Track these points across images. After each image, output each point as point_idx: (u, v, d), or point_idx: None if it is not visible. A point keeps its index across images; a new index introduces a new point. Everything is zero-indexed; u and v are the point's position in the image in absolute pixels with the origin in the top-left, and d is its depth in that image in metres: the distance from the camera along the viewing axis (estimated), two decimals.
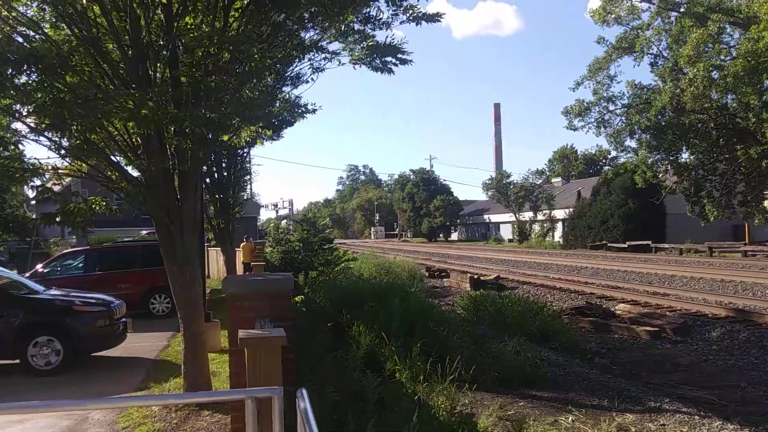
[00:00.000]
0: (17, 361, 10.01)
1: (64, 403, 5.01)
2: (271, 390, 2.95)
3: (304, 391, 2.62)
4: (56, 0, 6.51)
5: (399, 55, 8.52)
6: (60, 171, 7.71)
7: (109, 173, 7.67)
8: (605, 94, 33.41)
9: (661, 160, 34.49)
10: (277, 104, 9.55)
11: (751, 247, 35.36)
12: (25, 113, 7.10)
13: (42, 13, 7.16)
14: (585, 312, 16.23)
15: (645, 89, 32.86)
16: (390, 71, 8.72)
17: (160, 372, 9.95)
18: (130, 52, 6.94)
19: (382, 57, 8.52)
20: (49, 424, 7.17)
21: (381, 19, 8.60)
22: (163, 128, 6.89)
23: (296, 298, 11.06)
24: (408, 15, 8.68)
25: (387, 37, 8.90)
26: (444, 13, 8.84)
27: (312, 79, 9.58)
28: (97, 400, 7.12)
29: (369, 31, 8.56)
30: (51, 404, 3.36)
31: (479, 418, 6.64)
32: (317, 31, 8.44)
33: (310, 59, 9.04)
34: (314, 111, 10.23)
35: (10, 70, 6.37)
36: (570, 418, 7.02)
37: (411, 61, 8.60)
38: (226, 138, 8.00)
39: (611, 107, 33.60)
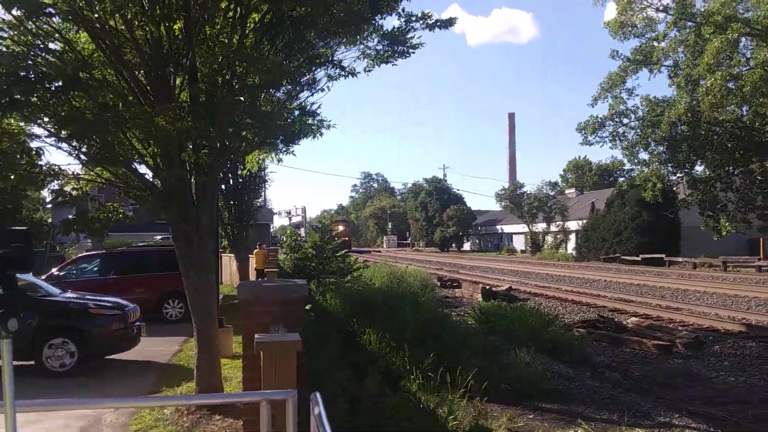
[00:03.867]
0: (32, 362, 10.16)
1: (80, 401, 5.11)
2: (286, 393, 3.03)
3: (318, 396, 2.69)
4: (76, 11, 6.63)
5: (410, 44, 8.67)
6: (80, 177, 7.84)
7: (129, 180, 7.81)
8: (620, 108, 33.34)
9: (674, 173, 34.33)
10: (296, 113, 9.68)
11: (765, 263, 35.07)
12: (45, 120, 7.24)
13: (65, 24, 7.30)
14: (597, 325, 16.17)
15: (659, 103, 32.77)
16: (404, 56, 8.83)
17: (173, 376, 10.05)
18: (150, 63, 7.08)
19: (396, 57, 8.65)
20: (62, 425, 7.28)
21: (396, 34, 8.72)
22: (182, 141, 7.00)
23: (306, 306, 11.14)
24: (422, 23, 8.82)
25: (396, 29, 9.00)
26: (457, 18, 9.05)
27: (327, 87, 9.72)
28: (112, 400, 7.22)
29: (385, 47, 8.68)
30: (68, 402, 3.45)
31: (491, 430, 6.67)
32: (335, 42, 8.57)
33: (325, 69, 9.17)
34: (329, 127, 10.34)
35: (26, 88, 6.45)
36: None
37: (422, 44, 8.72)
38: (248, 163, 8.11)
39: (625, 121, 33.51)
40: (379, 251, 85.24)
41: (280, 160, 11.05)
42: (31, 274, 12.26)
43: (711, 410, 8.90)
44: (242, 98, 6.94)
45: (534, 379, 8.84)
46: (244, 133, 7.29)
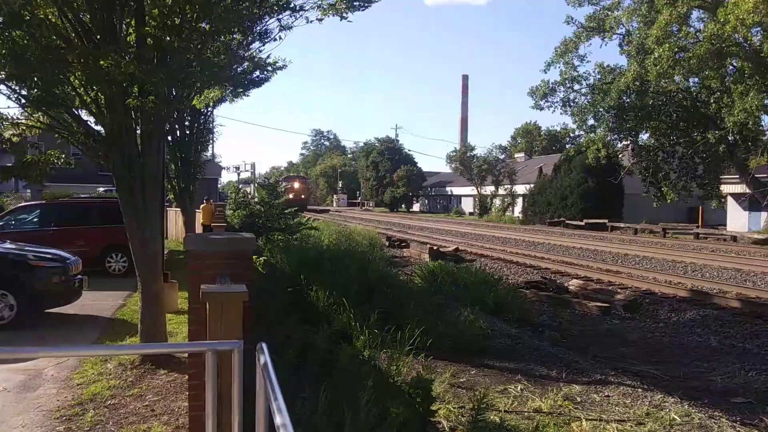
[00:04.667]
0: None
1: (19, 349, 4.99)
2: (231, 343, 3.01)
3: (264, 346, 2.68)
4: None
5: None
6: (20, 122, 7.52)
7: (70, 126, 7.52)
8: (572, 74, 33.75)
9: (619, 140, 35.13)
10: (245, 64, 9.43)
11: (703, 230, 36.39)
12: None
13: None
14: (540, 286, 16.61)
15: (612, 71, 33.28)
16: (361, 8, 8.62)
17: (116, 330, 9.89)
18: (96, 4, 6.77)
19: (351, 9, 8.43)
20: (2, 379, 7.10)
21: None
22: (126, 85, 6.77)
23: (257, 259, 11.06)
24: None
25: None
26: None
27: (280, 37, 9.47)
28: (54, 348, 7.06)
29: None
30: (7, 350, 3.36)
31: (433, 385, 6.80)
32: None
33: (278, 17, 8.91)
34: (283, 67, 10.11)
35: None
36: (519, 387, 7.24)
37: None
38: (195, 102, 7.88)
39: (576, 87, 33.98)
40: (328, 210, 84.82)
41: (233, 100, 10.73)
42: None
43: (645, 368, 9.30)
44: (191, 45, 6.72)
45: (477, 337, 9.03)
46: (191, 80, 7.07)
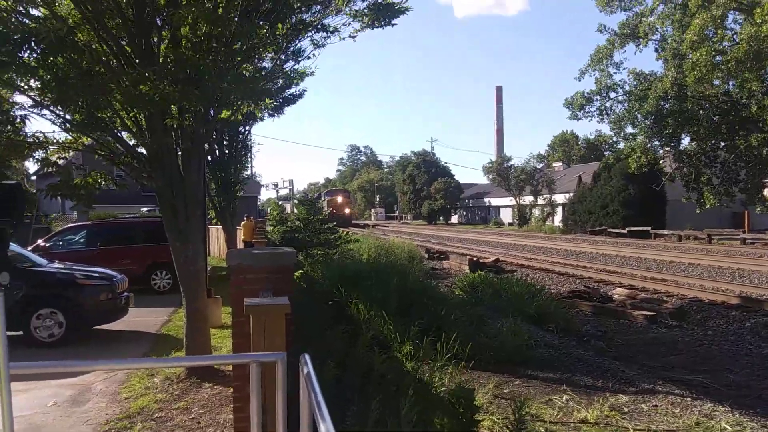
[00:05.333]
0: (20, 332, 10.15)
1: (72, 363, 5.13)
2: (275, 355, 3.05)
3: (307, 357, 2.71)
4: None
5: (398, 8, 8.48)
6: (65, 145, 7.77)
7: (114, 148, 7.74)
8: (607, 83, 33.32)
9: (660, 146, 34.49)
10: (280, 82, 9.57)
11: (750, 235, 35.47)
12: (27, 88, 7.15)
13: None
14: (583, 296, 16.36)
15: (647, 77, 32.77)
16: (390, 24, 8.65)
17: (162, 346, 10.09)
18: (134, 29, 6.97)
19: (383, 18, 8.49)
20: (52, 394, 7.30)
21: None
22: (165, 107, 6.94)
23: (296, 273, 11.16)
24: None
25: None
26: None
27: (313, 54, 9.63)
28: (105, 362, 7.25)
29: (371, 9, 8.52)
30: (61, 365, 3.47)
31: (476, 395, 6.75)
32: (320, 8, 8.45)
33: (311, 37, 9.06)
34: (312, 74, 10.36)
35: (11, 49, 6.38)
36: (564, 398, 7.14)
37: (409, 8, 8.54)
38: (225, 115, 8.04)
39: (612, 95, 33.52)
40: (367, 224, 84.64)
41: (264, 116, 10.87)
42: (17, 245, 12.20)
43: (694, 377, 9.06)
44: (227, 65, 6.87)
45: (520, 347, 8.93)
46: (227, 99, 7.22)
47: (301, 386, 2.67)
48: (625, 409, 6.75)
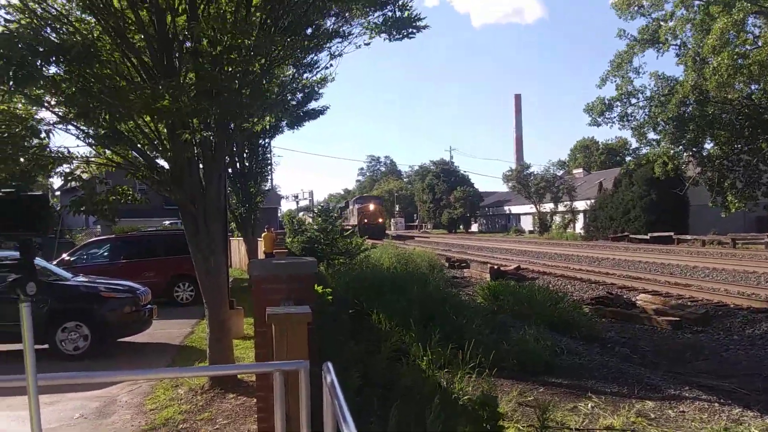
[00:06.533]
0: (46, 346, 10.27)
1: (99, 374, 5.20)
2: (298, 363, 3.07)
3: (330, 365, 2.72)
4: None
5: (415, 24, 8.51)
6: (89, 159, 7.88)
7: (137, 162, 7.84)
8: (628, 89, 33.08)
9: (682, 152, 34.12)
10: (299, 96, 9.65)
11: None
12: (53, 103, 7.27)
13: (69, 4, 7.29)
14: (606, 302, 16.21)
15: (668, 80, 32.49)
16: (408, 36, 8.68)
17: (186, 357, 10.16)
18: (155, 44, 7.08)
19: (399, 30, 8.53)
20: (78, 407, 7.38)
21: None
22: (186, 119, 7.03)
23: (317, 287, 11.20)
24: None
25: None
26: None
27: (330, 64, 9.71)
28: (130, 372, 7.31)
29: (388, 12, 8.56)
30: (88, 375, 3.51)
31: (500, 403, 6.72)
32: (339, 19, 8.52)
33: (328, 47, 9.13)
34: (333, 79, 10.50)
35: (39, 62, 6.51)
36: (590, 405, 7.08)
37: (426, 26, 8.56)
38: (249, 125, 8.11)
39: (633, 101, 33.26)
40: (387, 234, 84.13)
41: (291, 127, 10.97)
42: (42, 259, 12.37)
43: (721, 383, 8.94)
44: (246, 79, 6.95)
45: (544, 354, 8.87)
46: (246, 112, 7.29)
47: (324, 394, 2.68)
48: (652, 416, 6.68)
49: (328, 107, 17.60)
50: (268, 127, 10.24)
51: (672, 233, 41.08)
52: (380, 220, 68.01)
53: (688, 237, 40.78)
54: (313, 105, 16.85)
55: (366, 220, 64.51)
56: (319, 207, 27.89)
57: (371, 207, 67.70)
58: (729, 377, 9.35)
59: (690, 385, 8.28)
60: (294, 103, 12.27)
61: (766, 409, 7.32)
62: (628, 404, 7.04)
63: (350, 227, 62.46)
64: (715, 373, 9.72)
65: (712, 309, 14.74)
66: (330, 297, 8.71)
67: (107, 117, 6.74)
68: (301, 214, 52.94)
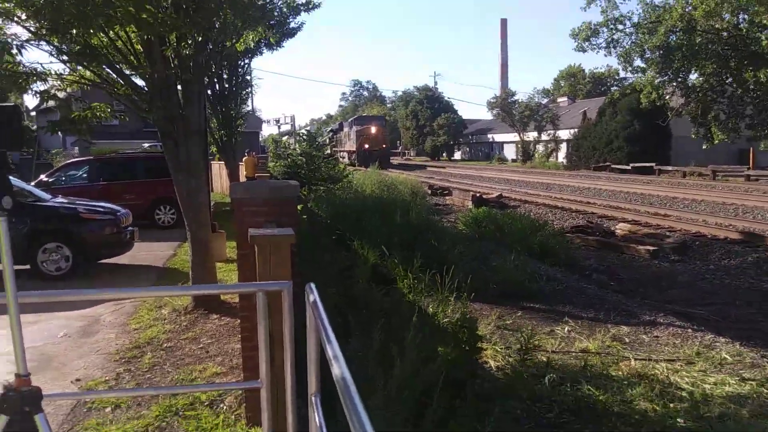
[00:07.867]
0: (27, 266, 10.24)
1: (80, 291, 5.20)
2: (281, 284, 3.06)
3: (313, 286, 2.72)
4: None
5: None
6: (63, 77, 7.63)
7: (113, 81, 7.61)
8: (614, 14, 32.46)
9: (668, 82, 33.91)
10: (279, 2, 9.31)
11: (754, 172, 35.27)
12: (24, 18, 6.97)
13: None
14: (586, 231, 16.41)
15: (656, 8, 31.90)
16: None
17: (169, 279, 10.20)
18: None
19: None
20: (62, 325, 7.42)
21: None
22: (164, 35, 6.79)
23: (298, 207, 11.18)
24: None
25: None
26: None
27: None
28: (112, 290, 7.35)
29: None
30: (69, 293, 3.48)
31: (479, 326, 6.84)
32: None
33: None
34: (300, 27, 10.12)
35: None
36: (566, 329, 7.24)
37: None
38: (229, 43, 7.87)
39: (620, 27, 32.70)
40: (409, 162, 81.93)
41: (273, 45, 10.57)
42: (21, 180, 12.18)
43: (695, 310, 9.16)
44: None
45: (523, 280, 9.01)
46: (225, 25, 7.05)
47: (308, 313, 2.68)
48: (627, 340, 6.85)
49: (304, 23, 17.06)
50: (252, 45, 9.92)
51: (653, 164, 41.29)
52: (384, 145, 58.33)
53: (669, 168, 41.04)
54: (293, 24, 16.45)
55: (367, 146, 55.73)
56: (306, 131, 27.47)
57: (373, 130, 57.78)
58: (704, 305, 9.57)
59: (665, 312, 8.46)
60: (274, 20, 11.85)
61: (737, 335, 7.53)
62: (603, 329, 7.21)
63: (346, 153, 60.03)
64: (691, 301, 9.94)
65: (690, 239, 14.99)
66: (310, 220, 8.71)
67: (79, 31, 6.47)
68: (284, 138, 51.04)
